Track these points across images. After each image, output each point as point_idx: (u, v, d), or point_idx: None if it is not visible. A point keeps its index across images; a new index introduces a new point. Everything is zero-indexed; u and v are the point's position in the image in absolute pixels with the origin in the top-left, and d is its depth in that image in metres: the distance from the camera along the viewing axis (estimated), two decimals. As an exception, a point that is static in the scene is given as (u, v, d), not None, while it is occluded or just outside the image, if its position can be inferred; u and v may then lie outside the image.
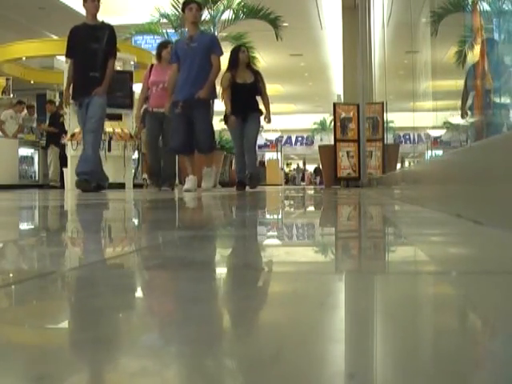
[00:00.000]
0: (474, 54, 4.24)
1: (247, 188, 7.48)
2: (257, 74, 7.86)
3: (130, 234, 1.55)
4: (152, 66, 7.98)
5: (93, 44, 6.27)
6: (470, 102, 4.80)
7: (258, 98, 7.91)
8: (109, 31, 6.43)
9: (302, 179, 30.85)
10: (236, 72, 7.68)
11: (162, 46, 7.97)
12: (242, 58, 7.72)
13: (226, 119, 7.74)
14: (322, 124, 30.04)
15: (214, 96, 6.91)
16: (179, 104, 6.42)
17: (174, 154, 7.24)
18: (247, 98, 7.61)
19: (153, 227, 1.74)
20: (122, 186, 8.71)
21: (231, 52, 7.85)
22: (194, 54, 6.51)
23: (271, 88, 23.98)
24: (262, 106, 7.90)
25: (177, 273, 0.78)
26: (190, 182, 6.59)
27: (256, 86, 7.75)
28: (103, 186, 6.37)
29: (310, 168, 32.04)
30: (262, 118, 7.86)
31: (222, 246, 1.21)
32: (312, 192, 7.26)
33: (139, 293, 0.68)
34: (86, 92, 6.23)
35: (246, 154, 7.67)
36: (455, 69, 5.68)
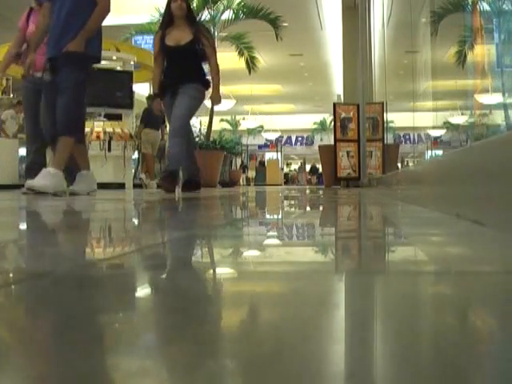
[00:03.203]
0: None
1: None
2: (198, 32, 5.51)
3: None
4: (31, 9, 5.42)
5: None
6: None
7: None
8: None
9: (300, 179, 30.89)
10: (169, 30, 5.50)
11: None
12: (174, 9, 5.45)
13: (152, 99, 5.73)
14: (322, 124, 30.05)
15: (92, 52, 4.50)
16: (46, 65, 4.45)
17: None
18: (181, 67, 5.41)
19: None
20: (122, 186, 8.72)
21: (166, 4, 5.71)
22: None
23: (271, 88, 24.12)
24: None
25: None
26: (82, 179, 4.60)
27: (194, 49, 5.45)
28: None
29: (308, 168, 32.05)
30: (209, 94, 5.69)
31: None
32: (311, 193, 7.26)
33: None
34: None
35: (169, 140, 5.50)
36: (455, 68, 5.68)
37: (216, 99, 5.70)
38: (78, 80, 4.40)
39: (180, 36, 5.45)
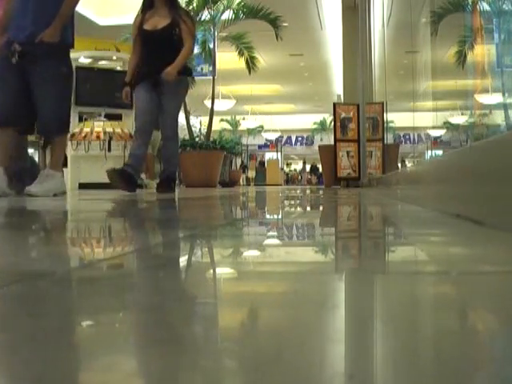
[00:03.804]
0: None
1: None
2: (177, 16, 5.16)
3: None
4: None
5: None
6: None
7: None
8: None
9: (301, 179, 30.91)
10: (149, 15, 5.23)
11: None
12: None
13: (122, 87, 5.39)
14: (322, 124, 30.06)
15: (68, 41, 4.27)
16: (15, 47, 4.04)
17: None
18: (159, 53, 5.08)
19: None
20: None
21: None
22: None
23: (271, 88, 24.11)
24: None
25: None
26: (45, 179, 4.17)
27: (171, 33, 5.12)
28: None
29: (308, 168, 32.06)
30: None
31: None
32: (311, 193, 7.26)
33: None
34: None
35: (165, 142, 5.33)
36: (455, 69, 5.68)
37: (169, 73, 5.04)
38: (61, 75, 4.16)
39: (158, 20, 5.17)
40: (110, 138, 8.81)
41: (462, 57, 5.34)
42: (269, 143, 31.95)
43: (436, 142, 13.57)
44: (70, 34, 4.30)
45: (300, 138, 33.83)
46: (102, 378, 0.35)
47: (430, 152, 12.29)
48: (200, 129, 15.54)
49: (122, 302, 0.59)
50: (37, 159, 12.84)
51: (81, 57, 9.49)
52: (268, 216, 2.49)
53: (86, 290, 0.66)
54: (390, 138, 14.70)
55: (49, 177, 4.16)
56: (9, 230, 1.64)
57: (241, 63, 13.34)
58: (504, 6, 4.04)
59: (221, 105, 19.17)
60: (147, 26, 5.20)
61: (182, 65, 5.18)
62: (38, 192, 4.01)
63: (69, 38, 4.28)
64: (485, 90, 5.29)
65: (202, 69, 14.06)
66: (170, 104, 5.17)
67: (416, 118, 10.59)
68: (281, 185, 21.94)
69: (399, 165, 13.56)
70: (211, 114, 11.59)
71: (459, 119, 9.60)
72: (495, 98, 5.34)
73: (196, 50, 12.88)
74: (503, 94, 4.90)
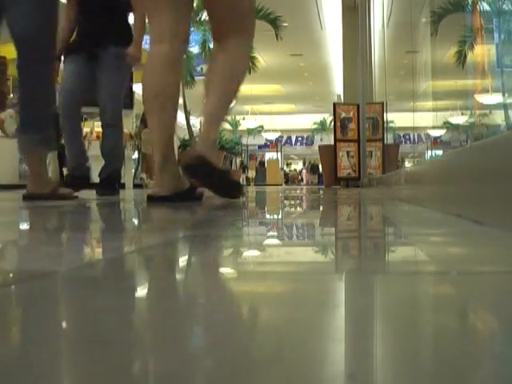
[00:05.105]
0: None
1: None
2: None
3: None
4: None
5: None
6: None
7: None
8: None
9: (301, 179, 30.91)
10: None
11: None
12: None
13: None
14: (322, 124, 30.07)
15: None
16: None
17: None
18: (98, 21, 4.21)
19: None
20: (122, 185, 8.70)
21: None
22: None
23: (271, 88, 24.11)
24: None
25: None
26: None
27: None
28: None
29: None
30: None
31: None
32: (311, 193, 7.26)
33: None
34: None
35: (104, 130, 4.47)
36: (455, 69, 5.69)
37: (134, 55, 4.18)
38: None
39: None
40: (110, 138, 8.79)
41: (461, 57, 5.35)
42: (269, 143, 31.97)
43: (436, 142, 13.58)
44: None
45: (300, 138, 33.84)
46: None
47: (429, 152, 12.31)
48: (200, 129, 15.54)
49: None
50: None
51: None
52: (268, 216, 2.49)
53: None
54: (389, 138, 14.72)
55: None
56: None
57: (241, 63, 13.31)
58: (504, 6, 4.05)
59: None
60: None
61: (140, 39, 4.30)
62: None
63: None
64: (485, 90, 5.30)
65: (201, 69, 14.06)
66: (111, 82, 4.30)
67: (416, 118, 10.60)
68: (281, 185, 21.95)
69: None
70: None
71: (459, 119, 9.61)
72: (495, 98, 5.34)
73: (196, 49, 12.89)
74: (503, 94, 4.90)
